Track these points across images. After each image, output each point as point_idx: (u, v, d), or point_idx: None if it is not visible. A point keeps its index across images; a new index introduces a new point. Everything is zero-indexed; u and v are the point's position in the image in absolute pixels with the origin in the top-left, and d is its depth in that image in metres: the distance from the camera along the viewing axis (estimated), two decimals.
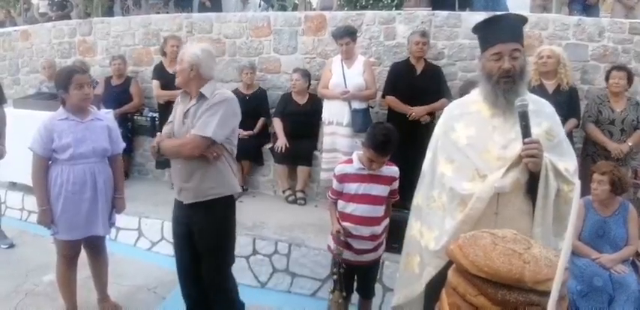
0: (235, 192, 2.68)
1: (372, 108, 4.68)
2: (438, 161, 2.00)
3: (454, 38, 4.88)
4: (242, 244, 3.82)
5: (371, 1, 5.31)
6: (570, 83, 4.11)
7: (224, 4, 7.49)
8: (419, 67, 4.40)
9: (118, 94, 5.53)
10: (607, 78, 4.19)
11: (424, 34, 4.36)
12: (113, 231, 4.00)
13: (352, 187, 2.60)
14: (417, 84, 4.31)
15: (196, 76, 2.51)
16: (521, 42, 1.91)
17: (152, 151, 2.58)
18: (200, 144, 2.43)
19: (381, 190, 2.61)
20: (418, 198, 2.12)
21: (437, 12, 4.97)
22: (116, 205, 3.03)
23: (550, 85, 4.05)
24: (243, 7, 7.47)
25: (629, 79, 4.07)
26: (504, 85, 1.85)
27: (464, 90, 4.41)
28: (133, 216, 4.29)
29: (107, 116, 3.21)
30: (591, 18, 5.02)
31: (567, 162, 1.88)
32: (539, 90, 3.83)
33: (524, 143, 1.76)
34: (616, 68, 4.13)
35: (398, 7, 5.33)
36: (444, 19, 4.89)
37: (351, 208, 2.62)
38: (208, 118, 2.43)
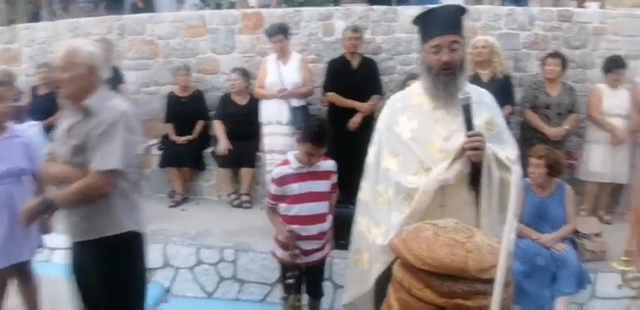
0: (127, 230, 2.11)
1: (310, 105, 4.61)
2: (382, 155, 1.99)
3: (391, 32, 4.92)
4: (185, 255, 3.69)
5: None
6: (504, 72, 4.23)
7: (158, 4, 7.24)
8: (354, 62, 4.41)
9: (45, 104, 5.12)
10: (543, 65, 4.32)
11: (356, 29, 4.36)
12: (47, 251, 3.70)
13: (294, 188, 2.55)
14: (354, 80, 4.33)
15: (91, 82, 2.02)
16: (460, 34, 1.91)
17: (35, 209, 2.00)
18: (109, 179, 1.97)
19: (322, 186, 2.59)
20: (364, 194, 2.11)
21: (374, 7, 4.99)
22: (42, 226, 2.76)
23: (485, 75, 4.15)
24: (178, 7, 7.22)
25: (564, 65, 4.22)
26: (444, 78, 1.86)
27: (405, 84, 4.49)
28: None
29: (27, 131, 2.96)
30: (522, 7, 5.19)
31: (508, 150, 1.91)
32: (475, 80, 3.88)
33: (467, 136, 1.78)
34: (551, 55, 4.28)
35: (336, 3, 5.31)
36: (381, 14, 4.92)
37: (296, 209, 2.56)
38: (108, 146, 1.95)
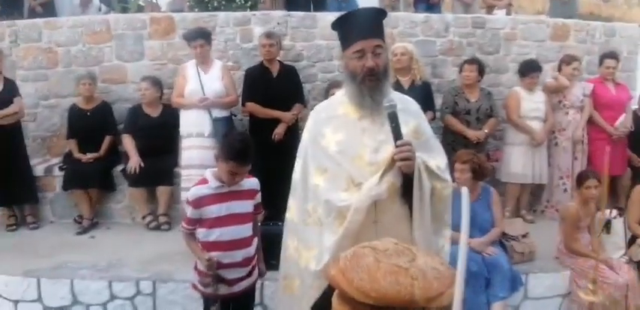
0: None
1: (235, 116, 4.34)
2: (310, 171, 1.87)
3: (311, 39, 4.82)
4: (96, 290, 3.28)
5: (223, 2, 4.98)
6: (423, 78, 4.30)
7: (60, 9, 6.63)
8: (274, 70, 4.19)
9: None
10: (460, 71, 4.40)
11: (270, 35, 4.15)
12: None
13: (213, 210, 2.28)
14: (275, 88, 4.11)
15: None
16: (382, 37, 1.84)
17: None
18: None
19: (245, 206, 2.35)
20: (291, 213, 1.96)
21: (292, 13, 4.87)
22: None
23: (405, 81, 4.17)
24: (82, 11, 6.65)
25: (481, 71, 4.30)
26: (369, 84, 1.78)
27: (329, 92, 4.37)
28: None
29: None
30: (437, 14, 5.30)
31: (437, 159, 1.87)
32: (396, 87, 3.85)
33: (395, 146, 1.71)
34: (468, 61, 4.36)
35: (252, 8, 5.09)
36: (299, 20, 4.80)
37: (217, 234, 2.29)
38: None
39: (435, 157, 1.86)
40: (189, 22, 4.69)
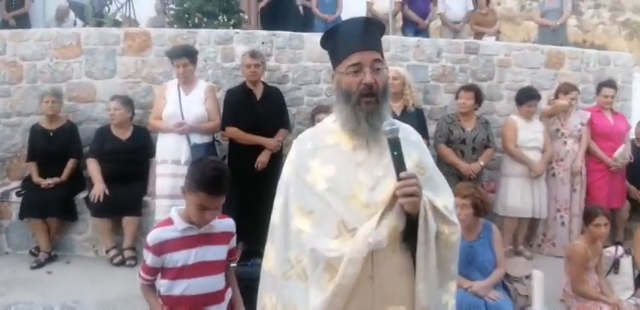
0: None
1: (218, 143, 3.99)
2: (292, 213, 1.53)
3: (298, 60, 4.58)
4: None
5: (205, 19, 4.70)
6: (416, 104, 4.11)
7: (35, 22, 6.39)
8: (257, 92, 3.88)
9: None
10: (456, 98, 4.19)
11: (255, 54, 3.85)
12: None
13: (179, 257, 1.90)
14: (258, 112, 3.79)
15: None
16: (381, 52, 1.54)
17: None
18: None
19: (218, 253, 1.96)
20: (269, 263, 1.60)
21: (278, 32, 4.64)
22: None
23: (397, 107, 3.96)
24: (57, 25, 6.33)
25: (477, 99, 4.08)
26: (366, 106, 1.47)
27: (315, 118, 4.09)
28: None
29: None
30: (429, 39, 5.14)
31: (445, 198, 1.57)
32: None
33: (399, 178, 1.40)
34: (464, 88, 4.15)
35: (236, 26, 4.83)
36: (285, 40, 4.56)
37: (182, 287, 1.90)
38: None
39: (441, 196, 1.57)
40: (167, 39, 4.41)
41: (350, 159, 1.50)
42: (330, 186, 1.48)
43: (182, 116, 3.65)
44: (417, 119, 3.89)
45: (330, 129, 1.57)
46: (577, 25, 10.59)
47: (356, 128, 1.49)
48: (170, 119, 3.66)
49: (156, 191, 3.68)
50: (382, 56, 1.52)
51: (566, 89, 4.34)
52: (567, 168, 4.30)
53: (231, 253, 2.04)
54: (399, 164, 1.40)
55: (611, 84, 4.43)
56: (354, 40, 1.49)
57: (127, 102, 4.00)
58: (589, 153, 4.36)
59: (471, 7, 6.32)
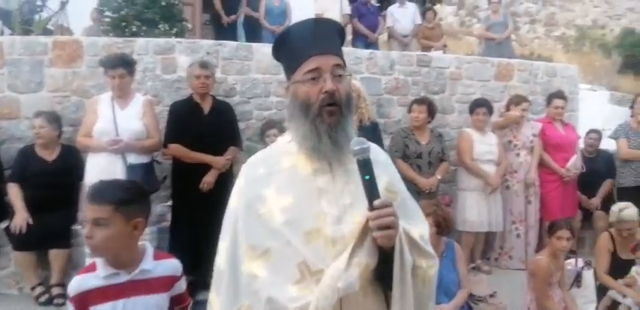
0: None
1: (158, 163, 3.65)
2: (242, 253, 1.27)
3: (246, 72, 4.34)
4: None
5: (144, 28, 4.37)
6: (372, 118, 3.96)
7: None
8: (206, 106, 3.59)
9: None
10: (409, 112, 4.11)
11: (205, 65, 3.58)
12: None
13: None
14: (207, 127, 3.50)
15: None
16: (342, 56, 1.33)
17: None
18: None
19: (154, 304, 1.64)
20: None
21: (224, 42, 4.39)
22: None
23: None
24: None
25: (431, 112, 4.02)
26: (329, 118, 1.26)
27: (265, 135, 3.84)
28: None
29: None
30: (381, 51, 5.05)
31: (420, 226, 1.37)
32: None
33: (372, 207, 1.17)
34: (417, 101, 4.09)
35: (178, 35, 4.52)
36: (232, 51, 4.31)
37: None
38: None
39: (416, 224, 1.36)
40: (101, 48, 4.04)
41: (310, 186, 1.27)
42: (288, 218, 1.24)
43: (117, 133, 3.29)
44: (373, 133, 3.72)
45: (286, 150, 1.34)
46: (515, 39, 11.00)
47: (316, 146, 1.26)
48: (103, 136, 3.29)
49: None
50: (343, 61, 1.31)
51: (517, 100, 4.36)
52: (521, 179, 4.30)
53: (179, 299, 1.73)
54: (371, 190, 1.18)
55: (561, 95, 4.50)
56: (309, 43, 1.28)
57: (54, 119, 3.57)
58: (541, 164, 4.38)
59: (419, 21, 6.38)
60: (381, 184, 1.27)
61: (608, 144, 4.89)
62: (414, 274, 1.26)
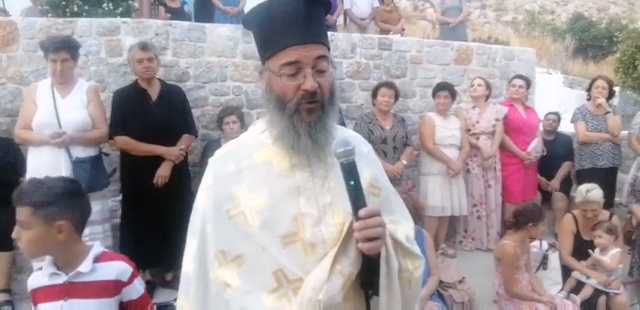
0: None
1: (106, 155, 3.35)
2: (211, 259, 1.15)
3: (200, 55, 4.07)
4: None
5: (86, 7, 3.99)
6: None
7: None
8: (153, 92, 3.30)
9: None
10: (375, 96, 3.99)
11: (145, 46, 3.27)
12: None
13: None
14: (155, 115, 3.22)
15: None
16: (327, 43, 1.16)
17: None
18: None
19: (93, 309, 1.52)
20: None
21: (175, 22, 4.11)
22: None
23: None
24: None
25: (396, 96, 3.93)
26: (308, 117, 1.12)
27: (224, 122, 3.59)
28: None
29: None
30: (343, 33, 4.89)
31: (405, 224, 1.27)
32: None
33: (357, 217, 1.06)
34: (385, 85, 4.00)
35: (124, 15, 4.18)
36: (184, 31, 4.02)
37: None
38: None
39: (400, 222, 1.26)
40: (38, 30, 3.68)
41: (287, 183, 1.15)
42: (263, 220, 1.11)
43: (59, 124, 2.98)
44: (337, 120, 3.62)
45: (260, 142, 1.19)
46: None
47: (294, 143, 1.13)
48: (44, 128, 2.96)
49: None
50: (328, 49, 1.15)
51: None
52: (480, 163, 4.30)
53: (135, 307, 1.57)
54: (356, 197, 1.06)
55: (521, 76, 4.53)
56: (291, 26, 1.10)
57: None
58: (502, 148, 4.40)
59: (377, 4, 6.25)
60: (365, 178, 1.17)
61: (565, 127, 5.00)
62: (401, 277, 1.17)
